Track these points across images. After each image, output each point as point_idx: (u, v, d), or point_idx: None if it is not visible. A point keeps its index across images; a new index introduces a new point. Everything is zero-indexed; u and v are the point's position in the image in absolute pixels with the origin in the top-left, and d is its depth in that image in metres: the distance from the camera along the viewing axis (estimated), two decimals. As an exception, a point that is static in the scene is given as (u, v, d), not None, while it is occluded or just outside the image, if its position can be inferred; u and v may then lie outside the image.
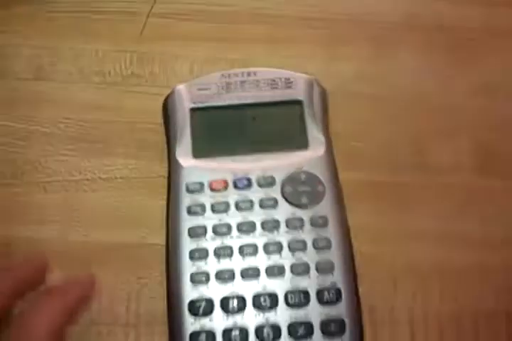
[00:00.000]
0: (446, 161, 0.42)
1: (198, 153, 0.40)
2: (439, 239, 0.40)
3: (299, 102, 0.41)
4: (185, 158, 0.39)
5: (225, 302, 0.36)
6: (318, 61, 0.46)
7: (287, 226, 0.37)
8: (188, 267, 0.37)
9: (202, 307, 0.35)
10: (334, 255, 0.37)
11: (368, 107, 0.44)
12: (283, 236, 0.37)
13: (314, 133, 0.40)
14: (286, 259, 0.37)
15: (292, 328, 0.35)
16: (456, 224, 0.40)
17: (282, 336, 0.35)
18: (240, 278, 0.36)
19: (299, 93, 0.41)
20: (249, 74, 0.42)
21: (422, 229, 0.40)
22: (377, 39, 0.47)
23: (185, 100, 0.41)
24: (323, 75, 0.44)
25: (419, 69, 0.46)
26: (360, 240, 0.39)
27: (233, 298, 0.36)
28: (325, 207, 0.38)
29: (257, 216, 0.38)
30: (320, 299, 0.36)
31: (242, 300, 0.36)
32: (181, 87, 0.42)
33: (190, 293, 0.36)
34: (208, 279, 0.36)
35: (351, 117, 0.43)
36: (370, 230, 0.40)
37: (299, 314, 0.35)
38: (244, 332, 0.35)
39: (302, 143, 0.40)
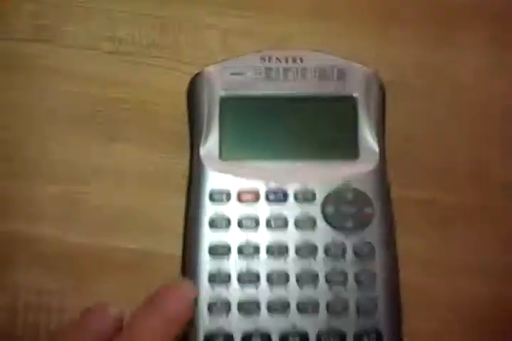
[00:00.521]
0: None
1: (226, 154, 0.34)
2: (501, 276, 0.35)
3: (352, 99, 0.35)
4: (210, 160, 0.34)
5: (246, 340, 0.31)
6: (373, 45, 0.38)
7: (326, 253, 0.32)
8: (205, 292, 0.32)
9: (220, 344, 0.31)
10: (379, 292, 0.32)
11: (425, 107, 0.38)
12: (320, 265, 0.32)
13: (368, 141, 0.34)
14: (321, 293, 0.32)
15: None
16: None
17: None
18: (266, 311, 0.32)
19: (353, 88, 0.35)
20: (294, 59, 0.35)
21: (481, 261, 0.35)
22: (443, 23, 0.39)
23: (215, 86, 0.35)
24: (377, 63, 0.37)
25: (492, 64, 0.38)
26: (407, 269, 0.34)
27: (257, 335, 0.31)
28: (372, 233, 0.33)
29: (291, 237, 0.33)
30: (358, 344, 0.31)
31: (267, 339, 0.31)
32: (211, 69, 0.35)
33: (206, 324, 0.31)
34: (228, 310, 0.31)
35: (405, 118, 0.37)
36: (421, 258, 0.35)
37: (333, 360, 0.31)
38: (267, 376, 0.31)
39: (352, 152, 0.34)
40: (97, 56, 0.38)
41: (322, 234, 0.33)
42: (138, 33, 0.38)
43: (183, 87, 0.35)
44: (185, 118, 0.35)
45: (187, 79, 0.35)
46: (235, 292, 0.32)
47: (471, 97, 0.38)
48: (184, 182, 0.34)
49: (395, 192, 0.34)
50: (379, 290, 0.32)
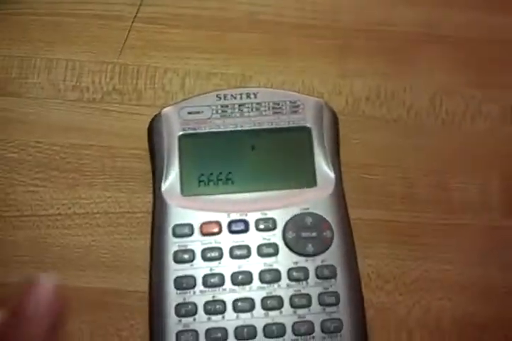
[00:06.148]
0: (471, 199, 0.40)
1: (187, 189, 0.37)
2: (459, 289, 0.37)
3: (306, 129, 0.38)
4: (172, 195, 0.36)
5: (215, 368, 0.33)
6: (326, 77, 0.42)
7: (289, 278, 0.35)
8: (173, 324, 0.34)
9: (189, 374, 0.33)
10: (343, 312, 0.34)
11: (382, 133, 0.41)
12: (284, 290, 0.35)
13: (323, 168, 0.37)
14: (287, 317, 0.34)
15: None
16: (478, 272, 0.38)
17: None
18: (234, 339, 0.34)
19: (306, 119, 0.38)
20: (248, 95, 0.38)
21: (441, 276, 0.38)
22: (394, 53, 0.43)
23: (174, 125, 0.38)
24: (331, 94, 0.41)
25: (442, 88, 0.42)
26: (371, 288, 0.37)
27: (225, 362, 0.33)
28: (333, 256, 0.35)
29: (255, 265, 0.35)
30: (325, 364, 0.33)
31: (235, 366, 0.33)
32: (169, 110, 0.38)
33: (175, 355, 0.33)
34: (196, 340, 0.33)
35: (362, 145, 0.40)
36: (383, 277, 0.38)
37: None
38: None
39: (309, 180, 0.37)
40: (62, 105, 0.41)
41: (284, 260, 0.35)
42: (99, 81, 0.41)
43: (145, 128, 0.39)
44: (148, 158, 0.38)
45: (148, 121, 0.39)
46: (202, 322, 0.34)
47: (429, 121, 0.41)
48: (148, 220, 0.37)
49: (352, 214, 0.37)
50: (343, 311, 0.34)
